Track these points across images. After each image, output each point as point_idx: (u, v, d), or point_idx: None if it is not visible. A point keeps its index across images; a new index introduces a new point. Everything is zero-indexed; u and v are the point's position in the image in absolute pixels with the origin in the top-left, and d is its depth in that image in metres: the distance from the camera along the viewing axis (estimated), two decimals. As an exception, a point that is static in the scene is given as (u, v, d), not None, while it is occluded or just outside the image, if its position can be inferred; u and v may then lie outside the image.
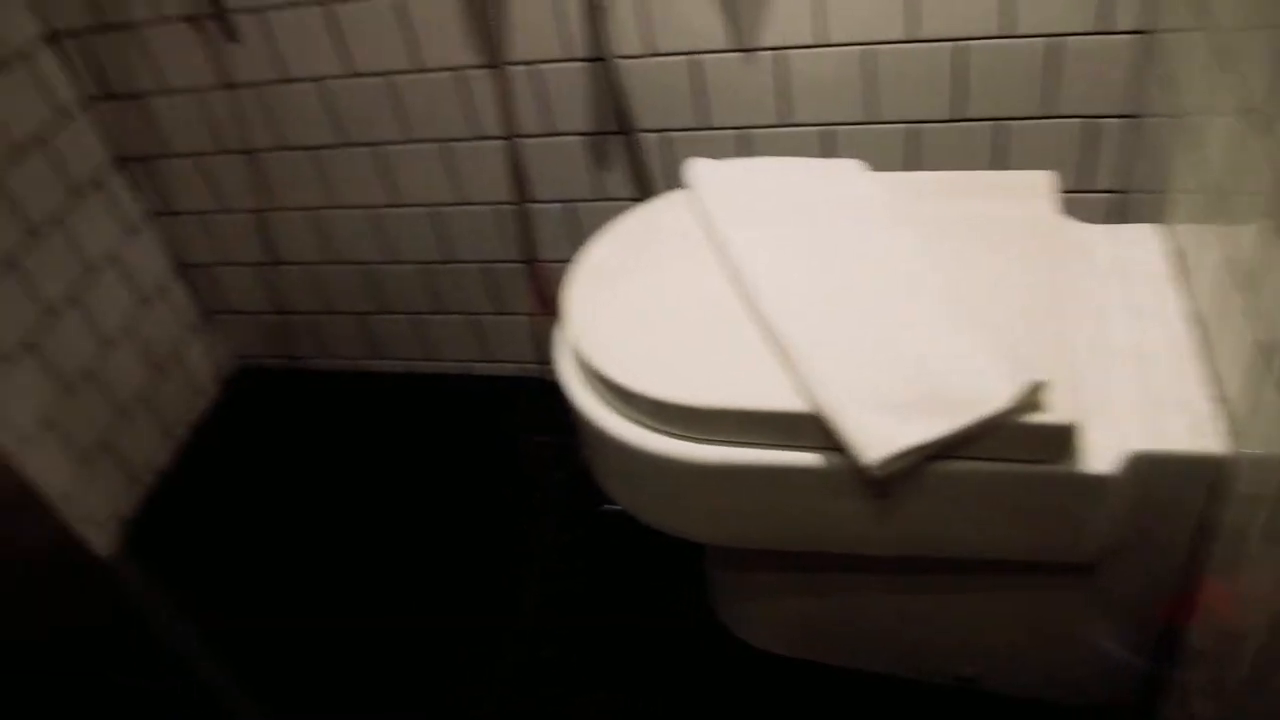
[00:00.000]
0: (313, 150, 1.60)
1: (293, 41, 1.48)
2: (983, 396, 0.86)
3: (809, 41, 1.32)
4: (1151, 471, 0.87)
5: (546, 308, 1.64)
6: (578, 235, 1.57)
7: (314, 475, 1.76)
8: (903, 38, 1.29)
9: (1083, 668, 1.10)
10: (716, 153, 1.43)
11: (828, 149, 1.40)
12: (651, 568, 1.47)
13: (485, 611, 1.48)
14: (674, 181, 1.46)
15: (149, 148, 1.67)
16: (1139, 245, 1.10)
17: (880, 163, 1.34)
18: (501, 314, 1.73)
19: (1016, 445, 0.88)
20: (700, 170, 1.21)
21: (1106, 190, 1.37)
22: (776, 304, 1.00)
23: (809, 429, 0.91)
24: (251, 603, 1.57)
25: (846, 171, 1.18)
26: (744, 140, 1.42)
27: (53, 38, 1.56)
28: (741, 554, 1.21)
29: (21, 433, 1.52)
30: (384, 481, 1.72)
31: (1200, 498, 0.88)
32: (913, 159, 1.39)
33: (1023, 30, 1.25)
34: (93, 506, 1.66)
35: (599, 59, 1.39)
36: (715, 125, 1.42)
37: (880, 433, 0.87)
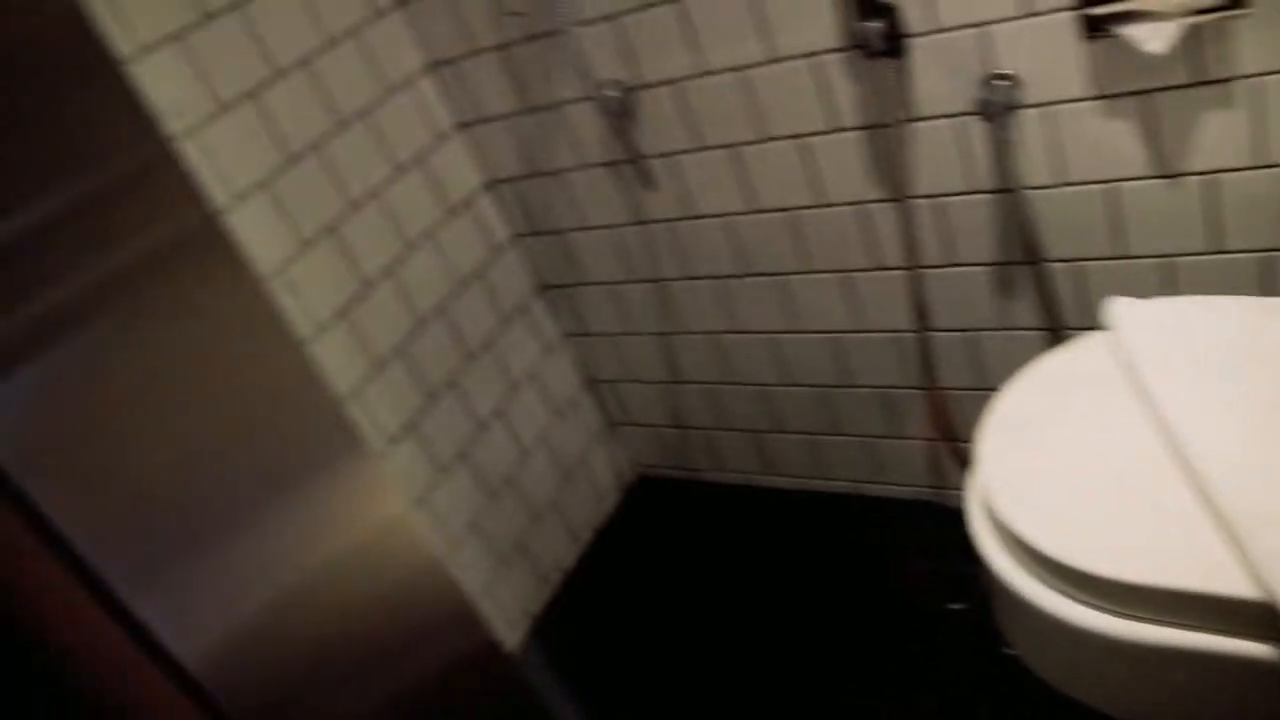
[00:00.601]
0: (716, 280, 1.67)
1: (701, 183, 1.56)
2: None
3: (1247, 163, 1.21)
4: None
5: (944, 434, 1.61)
6: (979, 363, 1.53)
7: (704, 583, 1.81)
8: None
9: None
10: (1134, 282, 1.34)
11: (1266, 280, 1.28)
12: (1048, 714, 1.37)
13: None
14: (1086, 310, 1.39)
15: (567, 277, 1.82)
16: None
17: (1334, 297, 1.21)
18: (896, 438, 1.71)
19: None
20: (1123, 311, 1.14)
21: None
22: (1216, 470, 0.91)
23: (1256, 616, 0.82)
24: (637, 705, 1.63)
25: (1295, 314, 1.07)
26: (1166, 269, 1.32)
27: (491, 185, 1.76)
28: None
29: (452, 535, 1.69)
30: (771, 595, 1.74)
31: None
32: (1375, 291, 1.23)
33: None
34: (507, 605, 1.80)
35: (1006, 190, 1.36)
36: (1133, 254, 1.33)
37: (1351, 635, 0.77)
